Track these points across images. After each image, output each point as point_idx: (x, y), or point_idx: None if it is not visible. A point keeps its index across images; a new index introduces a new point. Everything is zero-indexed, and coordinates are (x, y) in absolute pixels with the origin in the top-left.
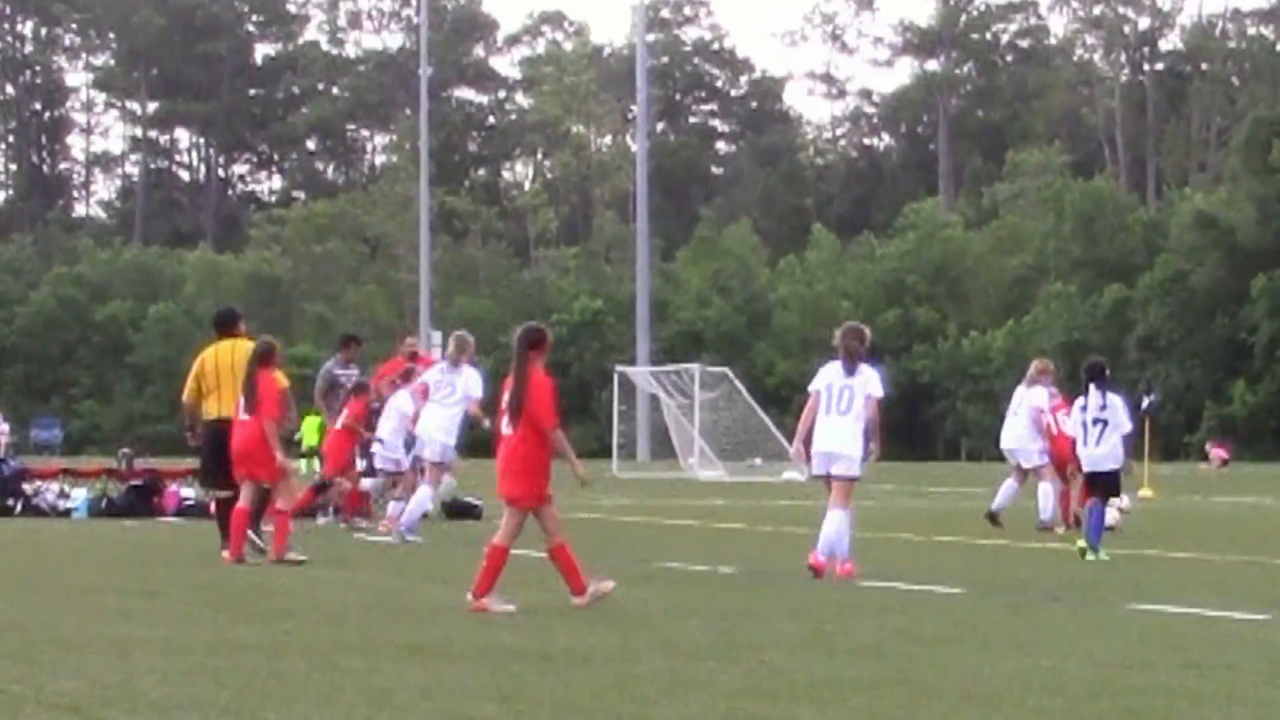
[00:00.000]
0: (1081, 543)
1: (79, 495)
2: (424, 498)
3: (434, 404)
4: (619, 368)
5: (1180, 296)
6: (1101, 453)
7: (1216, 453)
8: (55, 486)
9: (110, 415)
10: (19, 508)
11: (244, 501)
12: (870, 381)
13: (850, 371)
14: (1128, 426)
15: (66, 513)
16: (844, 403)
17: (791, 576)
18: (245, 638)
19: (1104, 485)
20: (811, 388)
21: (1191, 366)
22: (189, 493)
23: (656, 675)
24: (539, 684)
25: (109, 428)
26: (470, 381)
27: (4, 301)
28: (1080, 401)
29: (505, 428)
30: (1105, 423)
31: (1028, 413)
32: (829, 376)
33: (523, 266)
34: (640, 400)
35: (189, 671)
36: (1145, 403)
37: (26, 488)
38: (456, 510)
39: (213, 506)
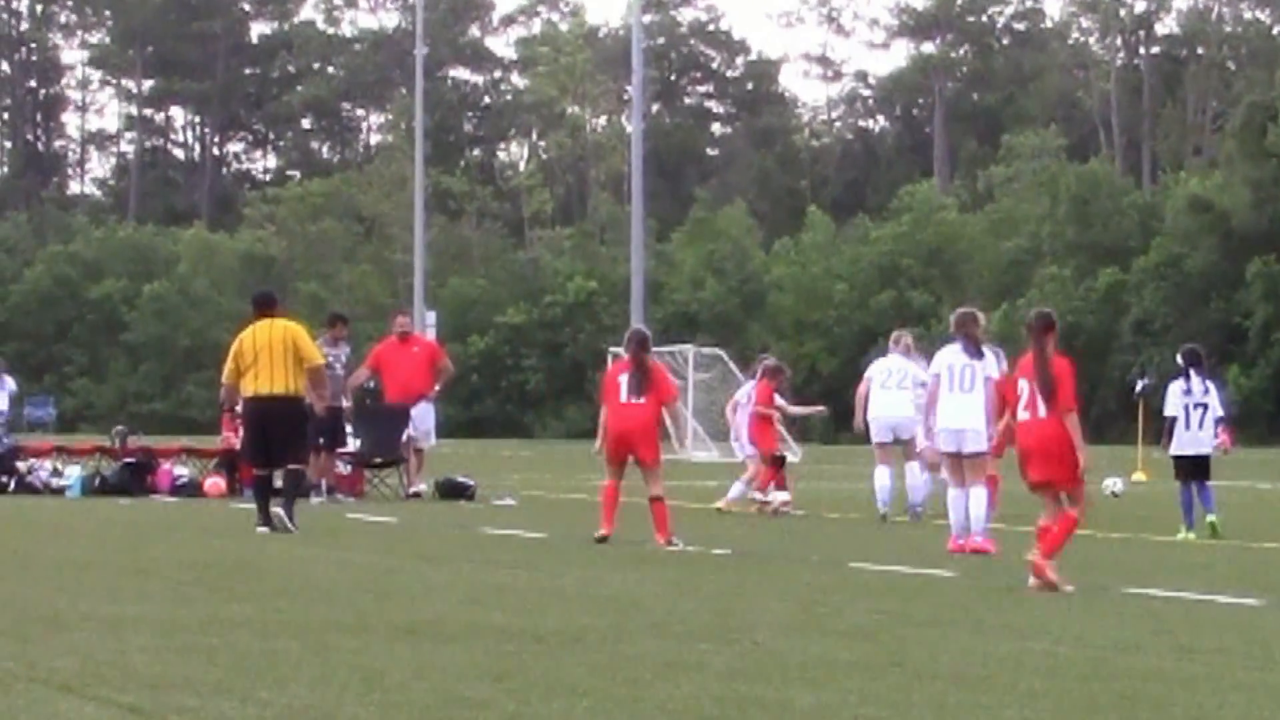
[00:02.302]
0: (1212, 519)
1: (72, 473)
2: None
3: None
4: (613, 349)
5: (1175, 280)
6: (1203, 436)
7: (1223, 439)
8: (49, 464)
9: (104, 393)
10: (12, 485)
11: (613, 480)
12: (991, 365)
13: (974, 354)
14: (1220, 411)
15: (60, 491)
16: (967, 381)
17: (785, 558)
18: (238, 616)
19: (1202, 469)
20: (931, 371)
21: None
22: (182, 471)
23: (649, 656)
24: (532, 665)
25: (103, 406)
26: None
27: None
28: (1181, 385)
29: (1023, 412)
30: (1205, 407)
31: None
32: (949, 358)
33: (517, 247)
34: None
35: (181, 650)
36: (1139, 386)
37: (20, 465)
38: (449, 490)
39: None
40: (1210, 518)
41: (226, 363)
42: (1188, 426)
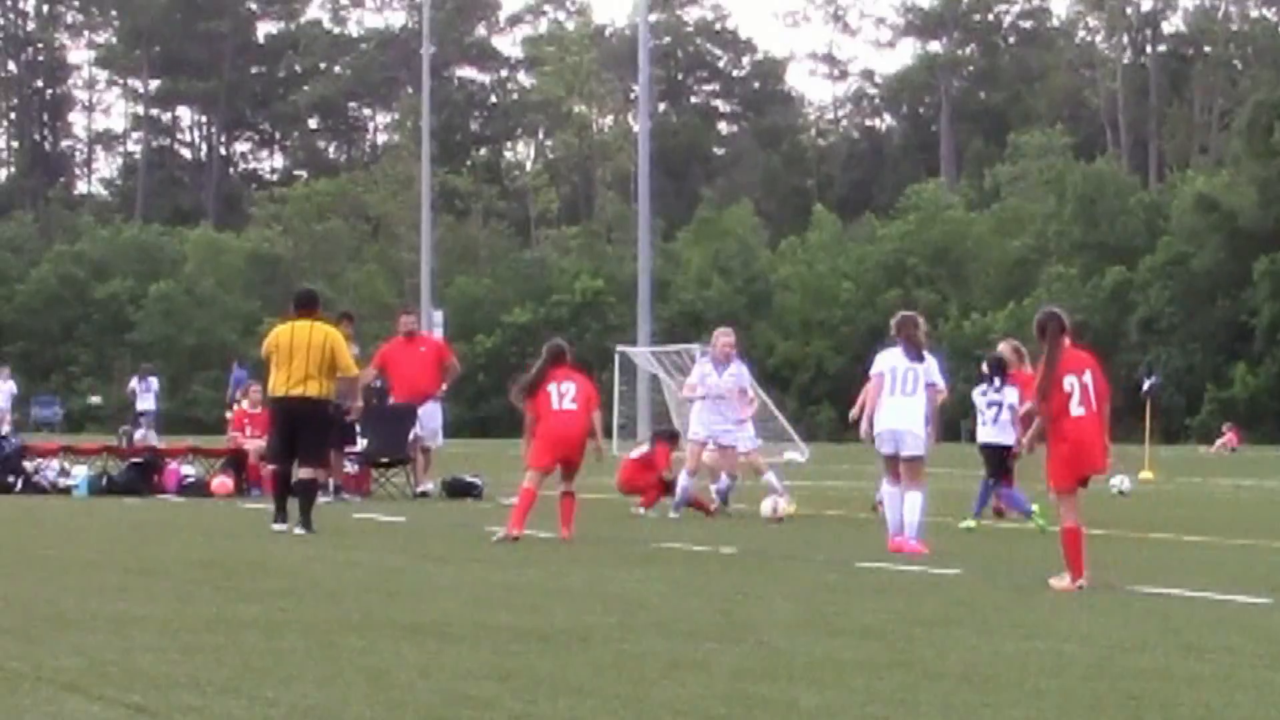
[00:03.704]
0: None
1: (79, 473)
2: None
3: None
4: (620, 348)
5: (1181, 279)
6: (997, 430)
7: (1229, 438)
8: (56, 464)
9: (111, 393)
10: (19, 485)
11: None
12: (932, 370)
13: (915, 358)
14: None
15: (67, 490)
16: (909, 385)
17: (792, 557)
18: (244, 616)
19: (1000, 461)
20: (873, 371)
21: (1192, 349)
22: (189, 470)
23: (655, 655)
24: (538, 664)
25: (109, 405)
26: None
27: (5, 279)
28: (981, 388)
29: (1077, 408)
30: (1000, 405)
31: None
32: (891, 361)
33: (524, 246)
34: (641, 380)
35: (188, 649)
36: (1146, 385)
37: (27, 465)
38: (457, 489)
39: (268, 479)
40: (1037, 519)
41: (264, 349)
42: (983, 423)
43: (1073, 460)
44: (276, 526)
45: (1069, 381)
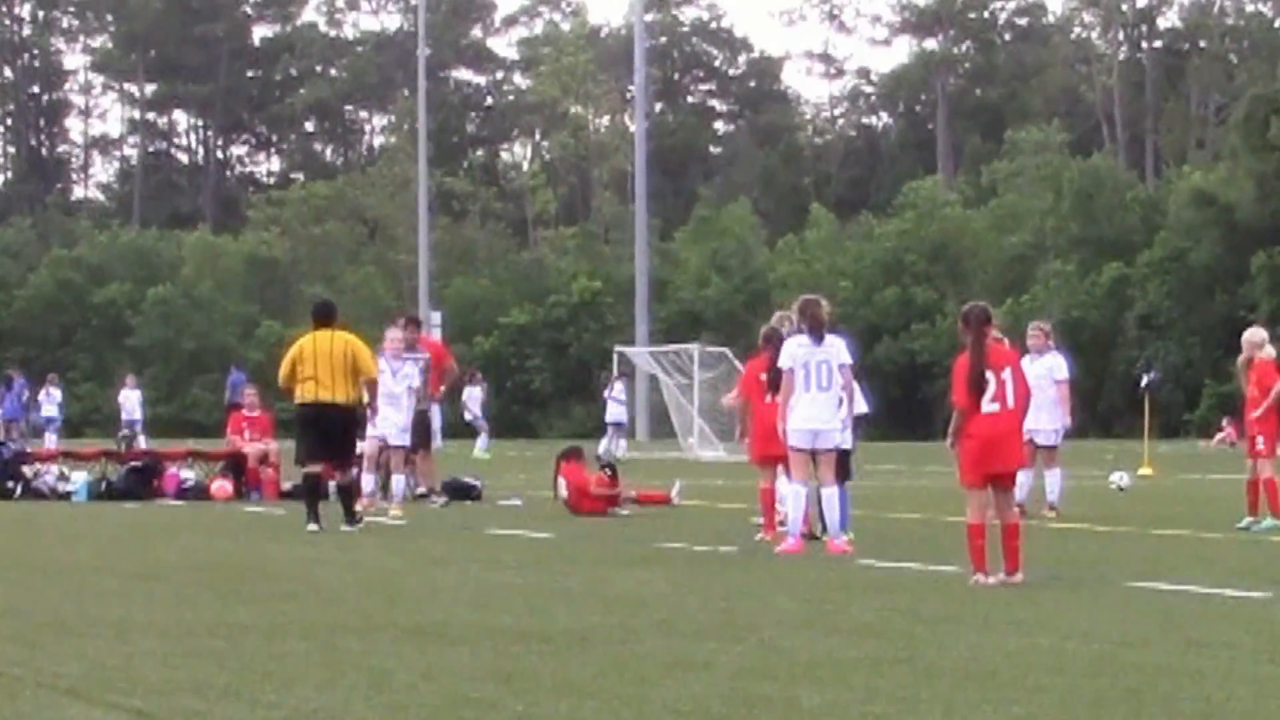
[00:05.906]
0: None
1: (78, 478)
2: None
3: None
4: (618, 348)
5: (1179, 274)
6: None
7: (1228, 433)
8: (55, 469)
9: (109, 398)
10: (19, 491)
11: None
12: (841, 351)
13: (819, 340)
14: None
15: (66, 495)
16: (824, 378)
17: (791, 555)
18: (245, 619)
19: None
20: (783, 365)
21: (1191, 344)
22: (188, 475)
23: (657, 655)
24: (539, 665)
25: (108, 410)
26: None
27: (2, 284)
28: None
29: (990, 404)
30: None
31: None
32: (801, 354)
33: (521, 247)
34: (640, 380)
35: (188, 654)
36: (1144, 380)
37: (26, 470)
38: (456, 491)
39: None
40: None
41: (282, 366)
42: None
43: (981, 457)
44: (311, 528)
45: (986, 376)
